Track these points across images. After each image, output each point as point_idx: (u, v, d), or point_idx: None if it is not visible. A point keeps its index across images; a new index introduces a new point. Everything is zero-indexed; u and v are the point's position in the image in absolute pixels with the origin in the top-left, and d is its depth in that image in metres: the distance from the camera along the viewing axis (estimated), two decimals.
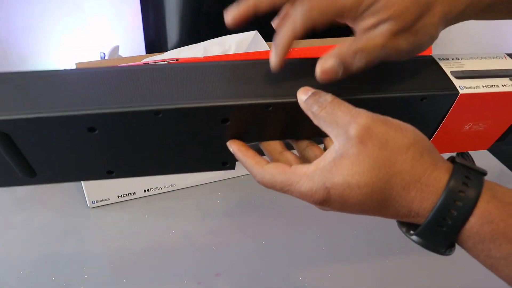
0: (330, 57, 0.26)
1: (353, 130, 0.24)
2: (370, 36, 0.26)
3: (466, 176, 0.23)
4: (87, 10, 1.30)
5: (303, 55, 0.45)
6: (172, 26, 1.47)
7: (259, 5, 0.28)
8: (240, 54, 0.60)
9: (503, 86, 0.32)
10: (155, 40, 1.45)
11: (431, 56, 0.34)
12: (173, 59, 0.58)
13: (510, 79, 0.33)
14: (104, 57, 1.21)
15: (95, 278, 0.46)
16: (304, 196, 0.26)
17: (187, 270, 0.47)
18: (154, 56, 0.74)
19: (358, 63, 0.26)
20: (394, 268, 0.47)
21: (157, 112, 0.27)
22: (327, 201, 0.25)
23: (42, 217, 0.57)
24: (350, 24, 0.29)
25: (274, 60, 0.28)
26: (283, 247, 0.51)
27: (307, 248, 0.50)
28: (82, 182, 0.56)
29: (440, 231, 0.23)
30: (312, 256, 0.49)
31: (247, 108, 0.28)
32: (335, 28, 0.32)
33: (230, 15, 0.28)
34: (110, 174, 0.33)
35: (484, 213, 0.22)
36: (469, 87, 0.31)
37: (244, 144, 0.31)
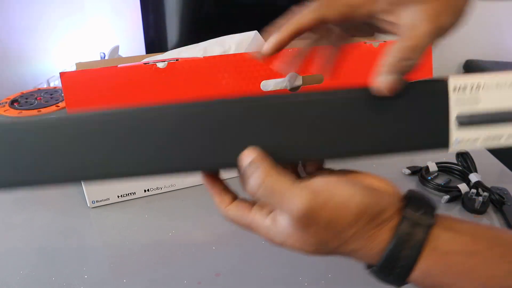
0: (386, 74, 0.26)
1: (294, 218, 0.24)
2: (413, 26, 0.25)
3: (409, 233, 0.24)
4: (87, 10, 1.30)
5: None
6: (172, 26, 1.47)
7: (301, 24, 0.27)
8: (240, 54, 0.60)
9: (506, 138, 0.26)
10: (155, 40, 1.45)
11: (444, 83, 0.27)
12: (173, 59, 0.58)
13: None
14: (104, 57, 1.21)
15: (95, 278, 0.46)
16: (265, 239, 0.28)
17: (187, 270, 0.47)
18: (154, 56, 0.74)
19: (414, 61, 0.26)
20: None
21: None
22: (286, 248, 0.27)
23: (42, 217, 0.57)
24: (369, 19, 0.27)
25: (266, 46, 0.27)
26: None
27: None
28: (82, 182, 0.56)
29: (389, 279, 0.25)
30: (312, 256, 0.49)
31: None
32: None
33: (270, 45, 0.28)
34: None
35: (424, 267, 0.24)
36: (465, 141, 0.27)
37: (213, 177, 0.30)
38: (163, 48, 1.46)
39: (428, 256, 0.24)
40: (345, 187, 0.24)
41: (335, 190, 0.24)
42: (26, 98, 0.71)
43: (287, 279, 0.46)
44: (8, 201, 0.62)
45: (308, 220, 0.24)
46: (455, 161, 0.67)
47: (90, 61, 0.71)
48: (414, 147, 0.29)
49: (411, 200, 0.26)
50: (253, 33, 0.72)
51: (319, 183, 0.25)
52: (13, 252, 0.50)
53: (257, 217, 0.27)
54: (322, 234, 0.25)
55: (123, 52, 1.21)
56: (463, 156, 0.66)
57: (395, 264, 0.24)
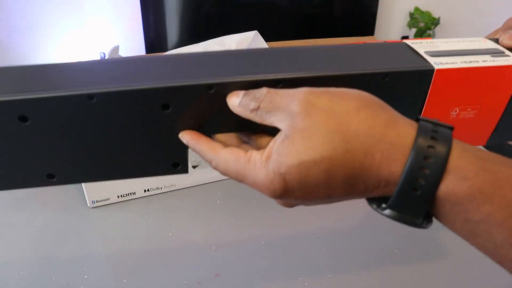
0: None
1: (295, 107, 0.21)
2: None
3: (434, 130, 0.21)
4: (87, 10, 1.30)
5: None
6: (172, 26, 1.47)
7: None
8: None
9: (483, 61, 0.30)
10: (155, 40, 1.45)
11: (403, 42, 0.32)
12: None
13: (491, 55, 0.30)
14: (104, 57, 1.21)
15: (95, 278, 0.46)
16: (261, 187, 0.23)
17: (187, 270, 0.47)
18: None
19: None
20: (394, 268, 0.47)
21: (89, 96, 0.25)
22: (286, 190, 0.22)
23: (42, 217, 0.57)
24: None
25: None
26: (283, 247, 0.51)
27: (307, 248, 0.50)
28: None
29: (414, 196, 0.20)
30: (312, 256, 0.49)
31: (186, 90, 0.25)
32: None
33: None
34: (50, 178, 0.29)
35: (458, 168, 0.20)
36: (446, 63, 0.29)
37: (197, 132, 0.27)
38: (163, 48, 1.47)
39: (461, 157, 0.20)
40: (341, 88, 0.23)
41: (332, 88, 0.23)
42: None
43: (287, 279, 0.46)
44: (8, 201, 0.62)
45: (311, 106, 0.21)
46: None
47: None
48: (393, 67, 0.29)
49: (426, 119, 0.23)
50: (253, 33, 0.72)
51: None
52: (13, 252, 0.50)
53: (254, 153, 0.24)
54: (327, 121, 0.21)
55: (123, 52, 1.21)
56: None
57: (426, 164, 0.20)
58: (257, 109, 0.23)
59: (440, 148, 0.20)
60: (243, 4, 1.49)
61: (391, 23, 1.94)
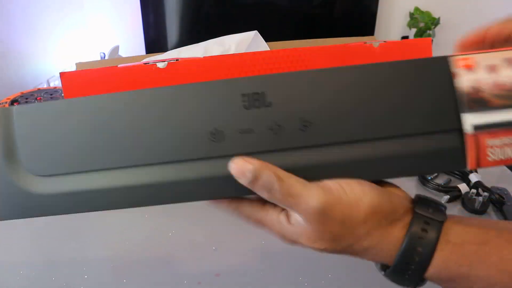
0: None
1: (310, 216, 0.25)
2: None
3: (423, 229, 0.24)
4: (87, 10, 1.30)
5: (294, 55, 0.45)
6: (172, 26, 1.47)
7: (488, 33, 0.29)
8: (240, 54, 0.60)
9: None
10: (155, 40, 1.45)
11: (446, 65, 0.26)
12: (173, 59, 0.58)
13: None
14: (104, 57, 1.21)
15: (95, 278, 0.46)
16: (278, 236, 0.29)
17: (187, 270, 0.47)
18: (154, 56, 0.74)
19: None
20: None
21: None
22: (298, 246, 0.28)
23: (42, 217, 0.57)
24: None
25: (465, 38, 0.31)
26: (283, 247, 0.51)
27: (307, 248, 0.50)
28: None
29: (405, 277, 0.25)
30: (312, 256, 0.49)
31: None
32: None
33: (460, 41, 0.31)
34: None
35: (440, 260, 0.24)
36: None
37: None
38: (163, 48, 1.47)
39: (443, 249, 0.24)
40: (357, 186, 0.25)
41: (347, 188, 0.25)
42: (26, 98, 0.71)
43: (287, 279, 0.46)
44: None
45: (323, 217, 0.24)
46: None
47: (90, 61, 0.71)
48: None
49: (420, 201, 0.27)
50: (253, 33, 0.72)
51: (331, 182, 0.25)
52: (13, 252, 0.50)
53: (270, 213, 0.28)
54: (336, 231, 0.25)
55: (123, 52, 1.21)
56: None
57: (411, 261, 0.24)
58: (269, 199, 0.25)
59: (425, 247, 0.24)
60: (243, 4, 1.49)
61: (391, 23, 1.94)
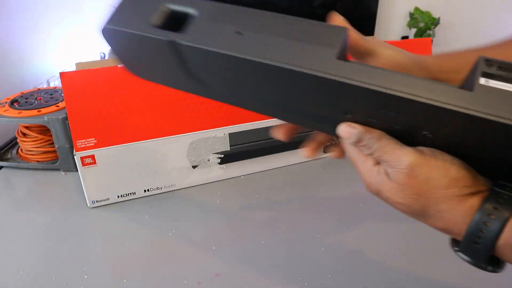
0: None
1: (399, 171, 0.28)
2: None
3: (498, 201, 0.26)
4: (87, 10, 1.30)
5: None
6: None
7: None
8: None
9: None
10: None
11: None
12: None
13: None
14: (104, 57, 1.21)
15: (95, 278, 0.46)
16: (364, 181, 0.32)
17: (187, 270, 0.47)
18: None
19: None
20: (394, 269, 0.47)
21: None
22: (381, 197, 0.30)
23: (42, 217, 0.57)
24: None
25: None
26: (283, 247, 0.51)
27: (307, 248, 0.50)
28: (82, 182, 0.56)
29: (476, 247, 0.27)
30: (312, 256, 0.49)
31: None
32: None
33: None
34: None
35: (508, 235, 0.25)
36: None
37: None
38: None
39: None
40: (448, 156, 0.28)
41: (438, 155, 0.28)
42: (26, 98, 0.71)
43: (287, 279, 0.46)
44: (8, 201, 0.62)
45: (411, 173, 0.27)
46: None
47: (90, 61, 0.71)
48: None
49: (502, 183, 0.28)
50: None
51: (426, 148, 0.28)
52: (13, 252, 0.50)
53: (368, 161, 0.31)
54: (419, 188, 0.27)
55: None
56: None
57: (481, 229, 0.26)
58: (367, 152, 0.30)
59: (499, 216, 0.25)
60: (243, 4, 1.48)
61: (391, 23, 1.94)
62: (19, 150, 0.73)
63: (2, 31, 0.87)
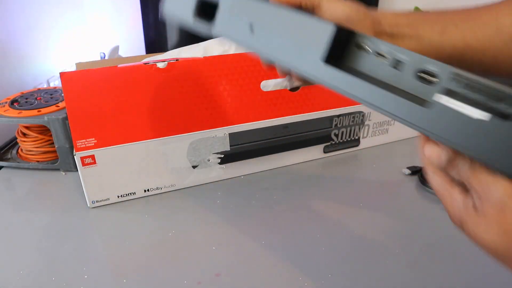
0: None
1: (489, 203, 0.24)
2: None
3: None
4: (87, 10, 1.30)
5: None
6: (172, 26, 1.47)
7: None
8: (240, 54, 0.60)
9: None
10: (155, 40, 1.45)
11: None
12: (173, 59, 0.58)
13: None
14: (104, 57, 1.21)
15: (95, 278, 0.46)
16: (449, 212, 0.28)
17: (187, 270, 0.47)
18: (154, 56, 0.74)
19: None
20: (394, 269, 0.47)
21: None
22: (463, 230, 0.27)
23: (42, 217, 0.57)
24: None
25: None
26: (283, 247, 0.51)
27: (307, 248, 0.50)
28: (82, 182, 0.56)
29: None
30: (312, 256, 0.49)
31: None
32: None
33: None
34: None
35: None
36: None
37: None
38: (163, 48, 1.46)
39: None
40: None
41: None
42: (26, 98, 0.71)
43: (287, 279, 0.46)
44: (8, 201, 0.62)
45: (502, 207, 0.24)
46: None
47: (90, 61, 0.71)
48: None
49: None
50: None
51: None
52: (13, 252, 0.50)
53: (454, 189, 0.27)
54: (509, 224, 0.24)
55: (123, 52, 1.21)
56: None
57: None
58: (457, 176, 0.26)
59: None
60: None
61: None
62: (19, 150, 0.73)
63: (2, 31, 0.87)
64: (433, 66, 0.24)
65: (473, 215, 0.25)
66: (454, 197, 0.27)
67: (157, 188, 0.62)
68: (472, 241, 0.26)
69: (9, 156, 0.73)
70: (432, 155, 0.26)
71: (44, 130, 0.69)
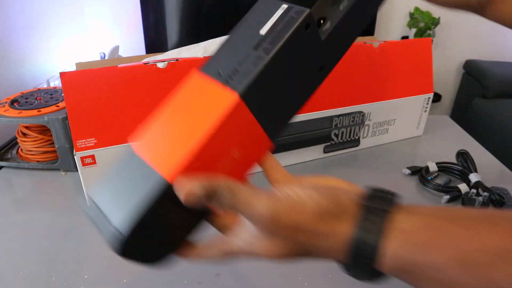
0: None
1: (261, 225, 0.26)
2: None
3: (369, 219, 0.25)
4: (87, 10, 1.30)
5: None
6: (172, 26, 1.47)
7: None
8: None
9: None
10: (155, 40, 1.45)
11: None
12: (173, 59, 0.58)
13: None
14: (104, 57, 1.21)
15: (95, 278, 0.46)
16: (243, 257, 0.30)
17: (187, 270, 0.47)
18: (154, 56, 0.74)
19: None
20: None
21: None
22: (262, 259, 0.28)
23: (42, 217, 0.57)
24: None
25: None
26: None
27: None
28: (82, 182, 0.56)
29: (358, 271, 0.26)
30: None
31: None
32: None
33: None
34: None
35: (389, 251, 0.24)
36: None
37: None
38: (163, 48, 1.46)
39: (393, 238, 0.24)
40: (300, 191, 0.26)
41: (292, 193, 0.26)
42: (26, 98, 0.71)
43: (287, 279, 0.46)
44: (8, 201, 0.62)
45: (272, 223, 0.26)
46: (455, 161, 0.67)
47: (90, 61, 0.71)
48: None
49: (370, 193, 0.27)
50: None
51: (277, 190, 0.27)
52: (13, 252, 0.50)
53: (231, 241, 0.30)
54: (287, 234, 0.26)
55: (123, 52, 1.21)
56: (463, 156, 0.66)
57: (362, 252, 0.25)
58: (220, 207, 0.27)
59: (371, 239, 0.24)
60: (243, 4, 1.48)
61: (391, 23, 1.94)
62: (19, 150, 0.73)
63: (2, 31, 0.87)
64: None
65: (257, 242, 0.27)
66: (233, 241, 0.30)
67: None
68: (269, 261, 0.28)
69: (9, 156, 0.73)
70: (185, 194, 0.25)
71: (44, 130, 0.69)
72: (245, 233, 0.29)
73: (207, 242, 0.32)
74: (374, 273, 0.25)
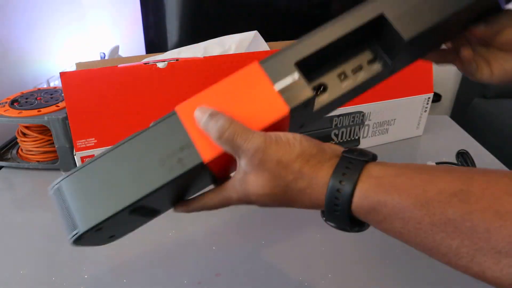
0: None
1: (251, 156, 0.29)
2: None
3: (347, 167, 0.28)
4: (87, 10, 1.30)
5: None
6: (172, 26, 1.47)
7: None
8: (240, 54, 0.60)
9: None
10: (155, 40, 1.45)
11: None
12: (173, 59, 0.58)
13: None
14: (104, 57, 1.21)
15: (95, 278, 0.46)
16: (239, 203, 0.33)
17: (187, 270, 0.47)
18: (154, 56, 0.74)
19: None
20: (394, 268, 0.47)
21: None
22: (253, 202, 0.32)
23: (42, 217, 0.57)
24: None
25: None
26: (283, 247, 0.51)
27: (307, 248, 0.50)
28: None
29: (336, 214, 0.29)
30: (312, 256, 0.49)
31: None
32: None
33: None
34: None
35: (361, 192, 0.27)
36: None
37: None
38: (163, 48, 1.46)
39: (364, 183, 0.27)
40: (290, 134, 0.30)
41: (282, 135, 0.30)
42: (26, 98, 0.71)
43: (287, 279, 0.46)
44: (8, 201, 0.62)
45: (262, 156, 0.29)
46: (455, 161, 0.67)
47: (90, 61, 0.71)
48: None
49: (352, 149, 0.30)
50: (253, 33, 0.72)
51: (271, 132, 0.30)
52: (13, 252, 0.50)
53: (226, 184, 0.33)
54: (274, 170, 0.29)
55: (123, 52, 1.21)
56: (463, 156, 0.66)
57: (338, 195, 0.27)
58: (217, 140, 0.30)
59: (348, 181, 0.27)
60: (243, 4, 1.48)
61: None
62: (19, 150, 0.73)
63: (2, 31, 0.87)
64: None
65: (245, 178, 0.31)
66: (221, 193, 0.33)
67: None
68: (259, 206, 0.31)
69: (9, 156, 0.73)
70: (198, 119, 0.31)
71: (44, 130, 0.69)
72: (238, 174, 0.32)
73: (207, 191, 0.36)
74: (353, 221, 0.28)
